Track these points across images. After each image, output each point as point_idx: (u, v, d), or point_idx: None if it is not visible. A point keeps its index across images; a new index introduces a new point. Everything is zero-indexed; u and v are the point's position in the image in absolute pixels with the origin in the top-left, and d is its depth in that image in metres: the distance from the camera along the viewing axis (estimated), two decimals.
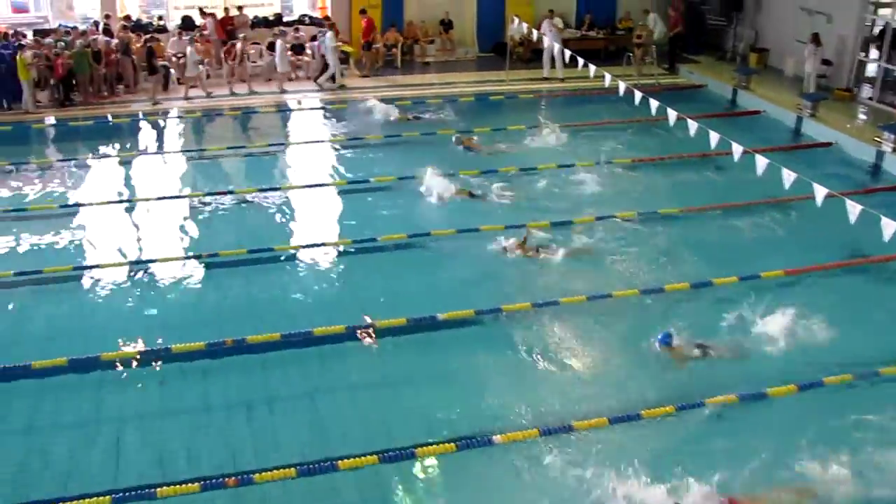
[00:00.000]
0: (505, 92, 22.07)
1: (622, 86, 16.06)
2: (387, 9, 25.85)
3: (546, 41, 21.89)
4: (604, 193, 15.22)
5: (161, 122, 19.99)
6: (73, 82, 21.13)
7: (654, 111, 14.74)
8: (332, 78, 22.71)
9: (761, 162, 12.24)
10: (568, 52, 18.43)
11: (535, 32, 22.00)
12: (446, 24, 26.39)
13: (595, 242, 13.06)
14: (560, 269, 12.21)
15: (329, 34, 22.68)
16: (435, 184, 14.93)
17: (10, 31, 22.17)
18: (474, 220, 13.69)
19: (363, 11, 24.57)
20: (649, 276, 11.99)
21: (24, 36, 22.03)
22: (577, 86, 21.89)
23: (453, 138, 17.82)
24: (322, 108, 20.92)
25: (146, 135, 19.32)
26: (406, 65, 25.15)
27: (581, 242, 13.04)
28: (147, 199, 15.07)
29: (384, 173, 15.98)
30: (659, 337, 10.23)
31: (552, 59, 22.87)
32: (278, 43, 22.44)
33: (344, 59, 23.68)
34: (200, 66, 22.06)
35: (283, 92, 22.09)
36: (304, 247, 13.01)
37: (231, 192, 15.23)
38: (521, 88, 22.46)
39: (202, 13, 24.23)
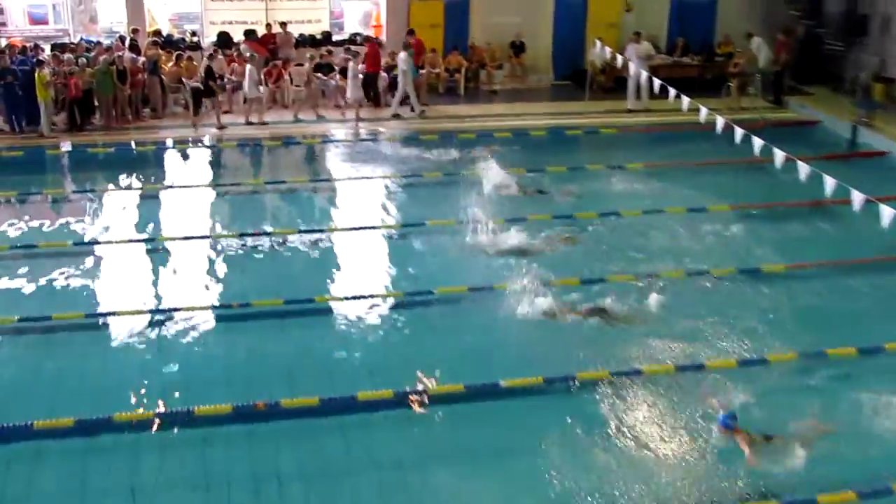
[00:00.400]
0: (583, 126, 22.14)
1: (720, 121, 15.97)
2: (449, 29, 26.23)
3: (632, 68, 21.96)
4: (696, 245, 15.06)
5: (191, 152, 20.44)
6: (95, 103, 21.74)
7: (757, 151, 14.62)
8: (411, 106, 23.07)
9: (887, 212, 11.99)
10: (657, 81, 18.45)
11: (619, 58, 22.11)
12: (517, 48, 26.66)
13: (686, 301, 12.86)
14: (644, 331, 12.00)
15: (404, 54, 23.01)
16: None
17: (30, 45, 22.85)
18: (541, 274, 13.54)
19: (411, 32, 24.87)
20: (750, 344, 11.72)
21: (43, 50, 22.69)
22: (666, 120, 21.86)
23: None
24: (373, 139, 21.22)
25: (174, 165, 19.84)
26: (470, 93, 25.39)
27: (668, 300, 12.85)
28: (172, 239, 15.33)
29: (443, 215, 16.00)
30: (720, 418, 9.71)
31: (638, 88, 22.91)
32: (350, 66, 22.64)
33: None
34: (261, 88, 22.52)
35: (360, 120, 22.39)
36: (349, 298, 12.98)
37: (268, 234, 15.41)
38: (602, 122, 22.54)
39: (247, 35, 24.83)
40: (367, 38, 25.67)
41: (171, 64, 23.10)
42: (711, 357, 11.37)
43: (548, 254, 14.50)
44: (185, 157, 20.52)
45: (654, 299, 12.72)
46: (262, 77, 23.06)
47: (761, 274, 13.85)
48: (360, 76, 23.01)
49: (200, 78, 22.23)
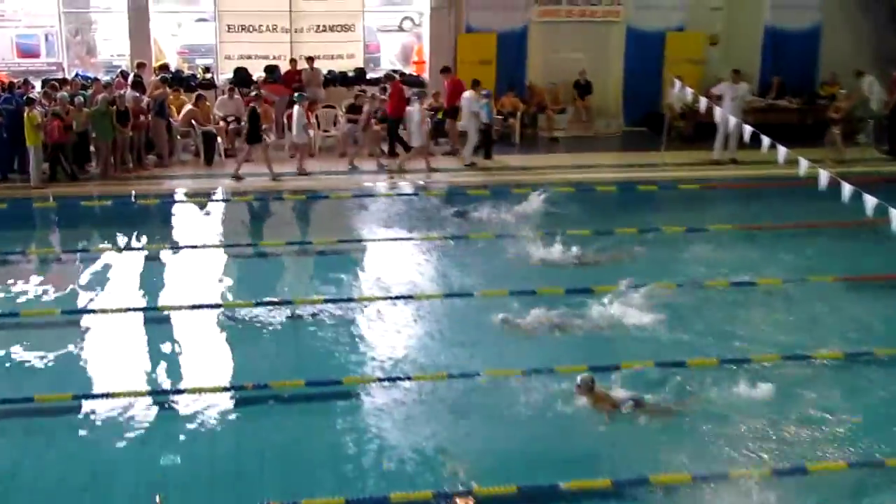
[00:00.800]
0: (659, 180, 22.19)
1: (823, 175, 15.86)
2: (503, 66, 26.36)
3: (717, 112, 21.73)
4: (795, 323, 14.90)
5: (201, 207, 20.63)
6: (91, 149, 22.04)
7: (869, 211, 14.49)
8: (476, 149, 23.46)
9: None
10: (747, 128, 18.39)
11: (702, 100, 22.01)
12: (582, 88, 26.77)
13: (781, 391, 12.58)
14: (731, 426, 11.80)
15: (471, 93, 23.26)
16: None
17: (18, 81, 23.23)
18: (608, 355, 13.48)
19: (446, 70, 25.08)
20: (863, 447, 11.48)
21: (33, 87, 23.00)
22: (759, 174, 21.86)
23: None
24: (413, 194, 21.36)
25: (181, 222, 20.05)
26: (527, 140, 25.48)
27: (761, 389, 12.58)
28: (177, 308, 15.33)
29: (493, 284, 15.98)
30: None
31: (727, 136, 22.85)
32: (416, 109, 22.80)
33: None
34: (311, 132, 22.85)
35: (433, 170, 22.68)
36: (382, 380, 12.92)
37: (289, 303, 15.42)
38: (682, 175, 22.54)
39: (267, 73, 25.22)
40: (388, 76, 25.88)
41: (187, 105, 23.47)
42: (814, 459, 11.16)
43: (615, 331, 14.40)
44: (194, 212, 20.71)
45: (743, 388, 12.55)
46: (285, 121, 23.42)
47: (876, 359, 13.61)
48: (428, 120, 23.34)
49: (215, 120, 22.55)
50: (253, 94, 23.86)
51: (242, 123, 23.08)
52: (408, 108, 23.11)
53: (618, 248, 17.80)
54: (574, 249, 17.44)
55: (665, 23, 27.24)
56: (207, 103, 23.65)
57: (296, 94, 22.96)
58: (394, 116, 23.80)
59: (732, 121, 20.48)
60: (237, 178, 21.98)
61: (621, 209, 20.52)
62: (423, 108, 23.32)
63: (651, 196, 21.77)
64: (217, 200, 21.03)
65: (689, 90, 22.08)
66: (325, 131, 23.88)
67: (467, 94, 23.37)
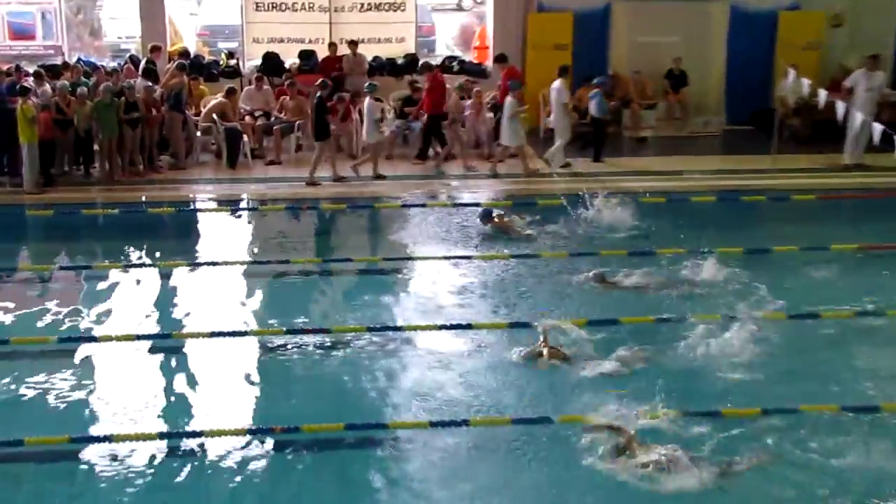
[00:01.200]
0: (768, 189, 22.09)
1: None
2: (581, 51, 26.23)
3: (840, 107, 21.53)
4: None
5: (224, 217, 20.78)
6: (95, 148, 22.23)
7: None
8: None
9: None
10: (878, 127, 18.18)
11: (821, 94, 21.80)
12: (676, 79, 26.62)
13: None
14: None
15: (559, 82, 23.33)
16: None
17: (10, 67, 23.41)
18: (704, 399, 13.26)
19: (502, 58, 25.08)
20: None
21: (28, 74, 23.18)
22: (892, 181, 21.73)
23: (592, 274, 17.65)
24: (472, 204, 21.30)
25: (199, 234, 20.22)
26: (610, 140, 25.37)
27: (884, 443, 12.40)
28: (194, 336, 15.34)
29: (566, 312, 15.70)
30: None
31: (857, 136, 22.59)
32: (508, 103, 23.01)
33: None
34: (385, 130, 23.05)
35: (532, 173, 22.93)
36: (436, 424, 12.72)
37: (325, 331, 15.37)
38: (797, 183, 22.43)
39: (300, 59, 25.41)
40: (427, 67, 25.89)
41: (215, 98, 23.64)
42: None
43: (713, 370, 14.20)
44: (215, 223, 20.89)
45: (870, 442, 12.25)
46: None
47: None
48: (490, 116, 23.64)
49: (241, 115, 22.71)
50: (286, 83, 24.04)
51: (273, 119, 23.27)
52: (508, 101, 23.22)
53: (717, 271, 17.48)
54: (664, 271, 17.42)
55: (777, 0, 27.09)
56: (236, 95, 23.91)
57: (367, 84, 23.20)
58: (434, 113, 23.96)
59: (860, 117, 20.29)
60: (313, 183, 22.19)
61: (722, 224, 20.29)
62: (485, 101, 23.44)
63: (758, 208, 21.66)
64: (242, 209, 21.17)
65: (805, 81, 21.91)
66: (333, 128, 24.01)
67: (556, 83, 23.47)
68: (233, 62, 26.32)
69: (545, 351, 14.27)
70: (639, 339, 14.84)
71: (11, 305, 16.39)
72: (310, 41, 26.27)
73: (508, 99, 23.01)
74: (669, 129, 26.40)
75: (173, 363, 14.70)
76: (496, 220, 19.46)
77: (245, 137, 23.36)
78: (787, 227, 20.52)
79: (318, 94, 22.12)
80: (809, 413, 12.83)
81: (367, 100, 22.72)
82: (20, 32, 26.59)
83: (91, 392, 13.80)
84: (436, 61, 26.98)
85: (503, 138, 23.32)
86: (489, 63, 27.03)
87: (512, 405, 13.26)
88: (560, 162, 23.58)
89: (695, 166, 23.65)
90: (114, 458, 12.11)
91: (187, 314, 16.39)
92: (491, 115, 24.48)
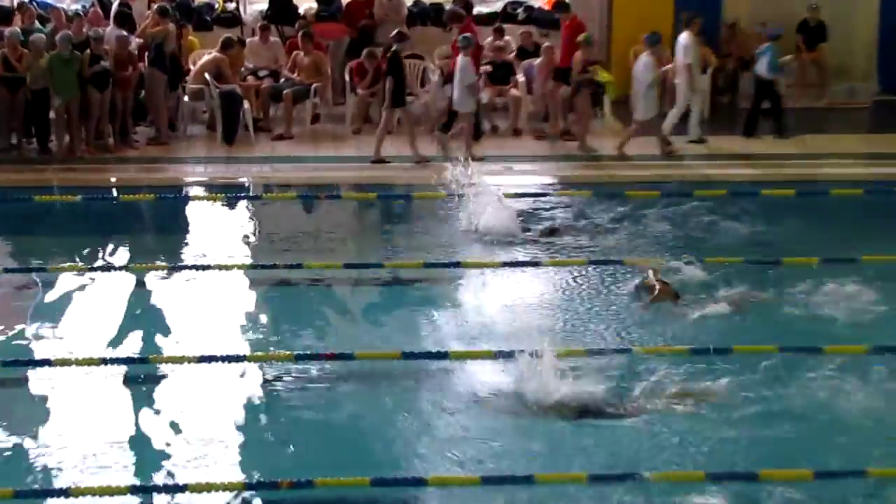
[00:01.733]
0: None
1: None
2: None
3: None
4: None
5: (217, 207, 20.61)
6: (50, 115, 22.03)
7: None
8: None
9: None
10: None
11: None
12: (812, 32, 26.16)
13: None
14: None
15: (686, 35, 22.92)
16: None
17: None
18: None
19: (563, 6, 24.61)
20: None
21: None
22: None
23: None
24: (540, 193, 21.08)
25: (185, 230, 20.02)
26: (723, 113, 25.05)
27: None
28: (176, 361, 14.83)
29: (654, 338, 15.69)
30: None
31: None
32: (644, 63, 22.74)
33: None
34: (482, 96, 23.02)
35: (670, 152, 23.16)
36: (486, 481, 12.15)
37: (346, 357, 14.92)
38: None
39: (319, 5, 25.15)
40: (454, 15, 25.32)
41: (209, 53, 23.41)
42: None
43: (854, 415, 13.64)
44: (206, 214, 20.71)
45: None
46: (348, 77, 23.28)
47: None
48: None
49: (242, 75, 22.60)
50: (300, 34, 23.77)
51: (283, 80, 23.03)
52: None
53: (860, 287, 17.10)
54: (790, 287, 17.05)
55: None
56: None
57: (460, 38, 22.84)
58: (563, 67, 23.67)
59: None
60: (380, 161, 22.27)
61: (869, 224, 19.87)
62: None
63: None
64: (240, 197, 20.91)
65: None
66: (411, 94, 23.73)
67: (682, 37, 23.28)
68: (231, 6, 26.24)
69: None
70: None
71: None
72: None
73: (644, 58, 22.77)
74: (802, 98, 26.02)
75: (149, 396, 14.18)
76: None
77: (246, 104, 23.00)
78: None
79: (394, 46, 21.98)
80: None
81: (459, 57, 22.17)
82: None
83: (43, 432, 13.20)
84: (495, 8, 26.86)
85: (637, 112, 23.04)
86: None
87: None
88: (697, 135, 23.31)
89: (835, 148, 23.36)
90: None
91: (168, 332, 15.87)
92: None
